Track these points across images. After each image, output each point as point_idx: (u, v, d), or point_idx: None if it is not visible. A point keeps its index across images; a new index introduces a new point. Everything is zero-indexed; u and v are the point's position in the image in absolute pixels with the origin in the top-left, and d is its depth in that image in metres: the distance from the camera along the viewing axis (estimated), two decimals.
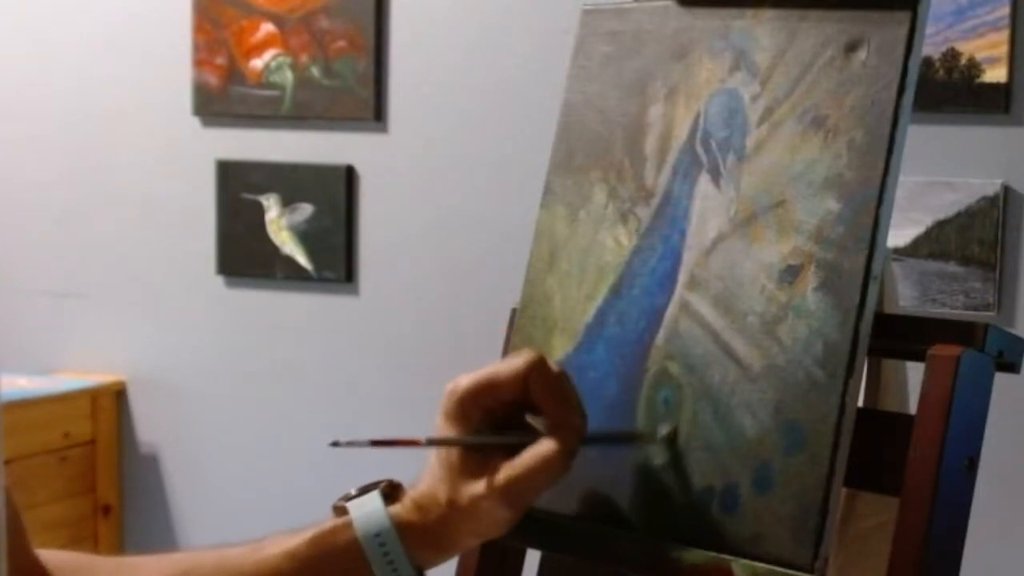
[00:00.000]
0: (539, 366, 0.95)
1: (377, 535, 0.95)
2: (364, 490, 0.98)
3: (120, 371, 3.40)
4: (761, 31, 1.00)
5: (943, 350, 0.91)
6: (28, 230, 3.46)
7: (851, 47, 0.95)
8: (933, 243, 2.71)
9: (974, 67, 2.67)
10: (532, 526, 1.03)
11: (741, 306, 0.97)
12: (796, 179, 0.96)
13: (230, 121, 3.27)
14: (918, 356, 0.93)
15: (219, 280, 3.31)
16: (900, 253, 2.70)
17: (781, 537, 0.91)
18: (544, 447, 0.94)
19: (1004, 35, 2.66)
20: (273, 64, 3.20)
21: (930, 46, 2.65)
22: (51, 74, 3.41)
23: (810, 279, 0.94)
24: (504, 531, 0.97)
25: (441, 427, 0.96)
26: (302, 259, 3.21)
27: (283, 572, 0.96)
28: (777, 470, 0.92)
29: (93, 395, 3.33)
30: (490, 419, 0.96)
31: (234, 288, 3.31)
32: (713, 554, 0.93)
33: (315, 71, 3.16)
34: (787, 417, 0.92)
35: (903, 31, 0.93)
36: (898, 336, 0.97)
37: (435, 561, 0.97)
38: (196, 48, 3.26)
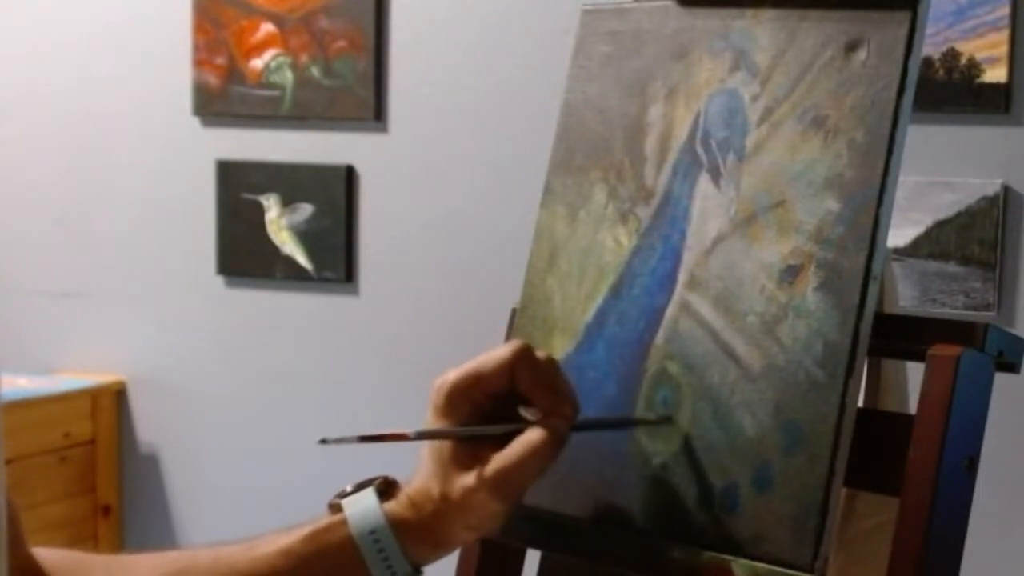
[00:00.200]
0: (525, 355, 0.95)
1: (372, 532, 0.95)
2: (359, 487, 0.98)
3: (120, 371, 3.40)
4: (761, 31, 1.00)
5: (943, 350, 0.91)
6: (28, 230, 3.46)
7: (851, 47, 0.95)
8: (933, 243, 2.71)
9: (974, 67, 2.67)
10: (532, 526, 1.03)
11: (741, 306, 0.97)
12: (796, 179, 0.96)
13: (230, 121, 3.27)
14: (918, 356, 0.93)
15: (219, 280, 3.31)
16: (900, 253, 2.70)
17: (781, 537, 0.91)
18: (532, 435, 0.94)
19: (1004, 35, 2.66)
20: (273, 64, 3.20)
21: (930, 46, 2.65)
22: (51, 74, 3.41)
23: (810, 279, 0.94)
24: (498, 525, 0.97)
25: (431, 423, 0.96)
26: (302, 259, 3.21)
27: (278, 569, 0.96)
28: (777, 470, 0.92)
29: (93, 395, 3.33)
30: (479, 412, 0.96)
31: (234, 288, 3.31)
32: (713, 554, 0.93)
33: (315, 71, 3.16)
34: (787, 417, 0.93)
35: (903, 31, 0.93)
36: (898, 336, 0.97)
37: (431, 557, 0.97)
38: (196, 48, 3.26)
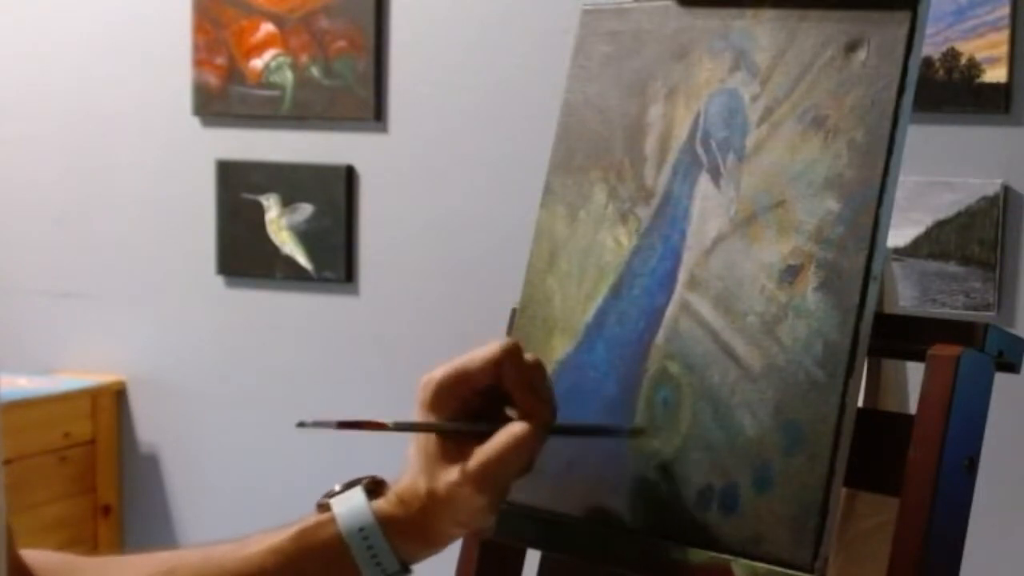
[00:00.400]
0: (513, 353, 0.95)
1: (361, 530, 0.95)
2: (347, 486, 0.98)
3: (120, 371, 3.40)
4: (761, 31, 1.00)
5: (943, 350, 0.91)
6: (28, 230, 3.46)
7: (851, 47, 0.95)
8: (933, 243, 2.71)
9: (974, 67, 2.67)
10: (532, 526, 1.03)
11: (741, 306, 0.97)
12: (796, 179, 0.96)
13: (230, 121, 3.27)
14: (918, 356, 0.93)
15: (219, 280, 3.31)
16: (900, 253, 2.70)
17: (781, 537, 0.91)
18: (515, 428, 0.94)
19: (1004, 35, 2.66)
20: (273, 64, 3.20)
21: (930, 46, 2.65)
22: (51, 74, 3.41)
23: (810, 279, 0.94)
24: (486, 520, 0.97)
25: (417, 418, 0.97)
26: (302, 259, 3.21)
27: (267, 568, 0.96)
28: (777, 470, 0.92)
29: (93, 395, 3.33)
30: (466, 409, 0.96)
31: (234, 288, 3.31)
32: (713, 554, 0.93)
33: (315, 71, 3.16)
34: (787, 417, 0.93)
35: (903, 31, 0.93)
36: (898, 336, 0.97)
37: (421, 555, 0.97)
38: (196, 48, 3.26)
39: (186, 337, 3.35)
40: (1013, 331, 0.96)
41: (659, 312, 1.01)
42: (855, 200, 0.93)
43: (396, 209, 3.15)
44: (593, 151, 1.08)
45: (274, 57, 3.20)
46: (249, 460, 3.30)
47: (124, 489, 3.40)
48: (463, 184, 3.09)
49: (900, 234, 2.70)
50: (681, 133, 1.03)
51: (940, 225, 2.71)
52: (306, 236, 3.20)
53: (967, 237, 2.70)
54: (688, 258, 1.00)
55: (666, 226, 1.02)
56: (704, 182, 1.01)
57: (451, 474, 0.94)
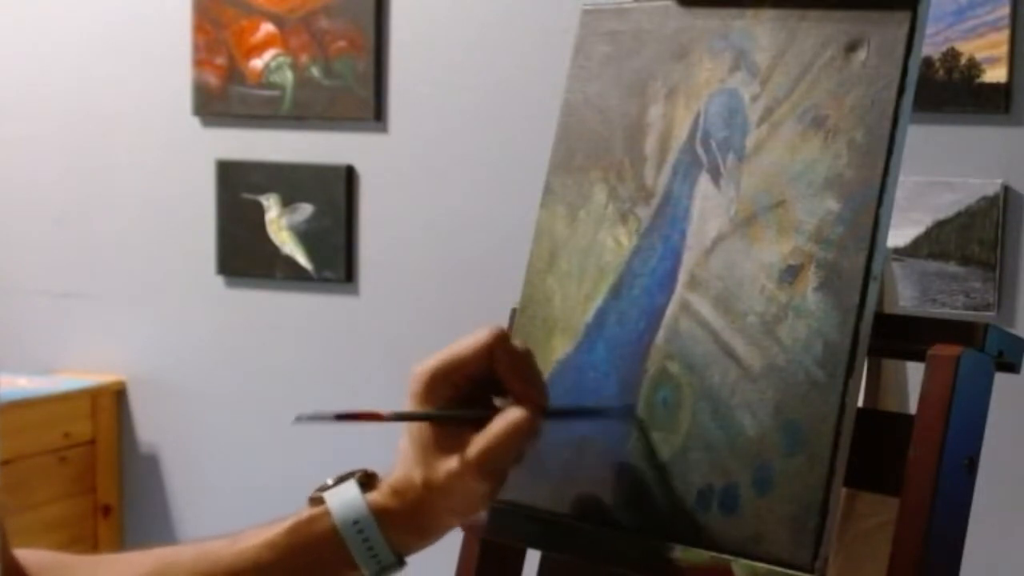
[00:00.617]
0: (502, 340, 0.95)
1: (355, 522, 0.95)
2: (339, 480, 0.98)
3: (120, 371, 3.40)
4: (761, 31, 1.00)
5: (943, 350, 0.91)
6: (28, 230, 3.46)
7: (851, 47, 0.95)
8: (933, 243, 2.71)
9: (974, 67, 2.67)
10: (532, 526, 1.03)
11: (741, 306, 0.97)
12: (796, 179, 0.96)
13: (230, 121, 3.27)
14: (918, 356, 0.93)
15: (219, 280, 3.31)
16: (900, 253, 2.70)
17: (781, 537, 0.91)
18: (512, 414, 0.94)
19: (1004, 35, 2.66)
20: (273, 64, 3.20)
21: (930, 46, 2.65)
22: (51, 74, 3.41)
23: (810, 279, 0.94)
24: (481, 507, 0.98)
25: (410, 408, 0.96)
26: (302, 259, 3.21)
27: (262, 562, 0.96)
28: (777, 470, 0.92)
29: (93, 395, 3.33)
30: (458, 397, 0.96)
31: (234, 288, 3.31)
32: (713, 554, 0.93)
33: (315, 71, 3.16)
34: (787, 417, 0.92)
35: (903, 31, 0.93)
36: (898, 336, 0.97)
37: (416, 546, 0.97)
38: (196, 48, 3.26)
39: (186, 337, 3.35)
40: (1013, 331, 0.96)
41: (659, 312, 1.01)
42: (855, 200, 0.93)
43: (396, 209, 3.15)
44: (593, 151, 1.08)
45: (274, 57, 3.20)
46: (249, 460, 3.30)
47: (124, 489, 3.40)
48: (463, 184, 3.09)
49: (900, 234, 2.70)
50: (681, 133, 1.03)
51: (940, 225, 2.71)
52: (306, 236, 3.20)
53: (967, 237, 2.70)
54: (688, 258, 1.00)
55: (666, 226, 1.02)
56: (704, 182, 1.01)
57: (449, 463, 0.94)
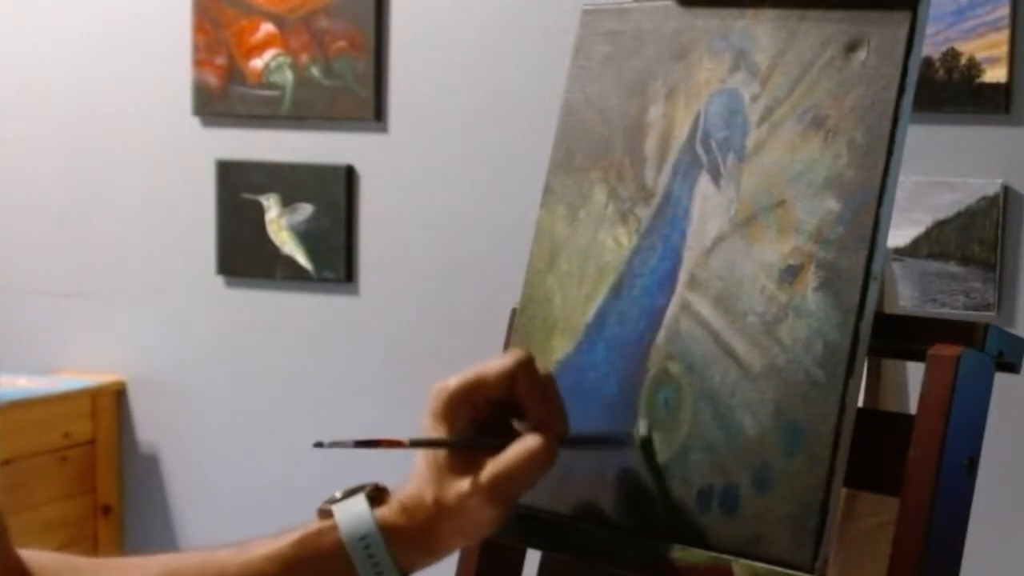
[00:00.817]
0: (526, 364, 0.95)
1: (362, 538, 0.95)
2: (349, 493, 0.98)
3: (120, 371, 3.40)
4: (761, 31, 1.00)
5: (943, 350, 0.91)
6: (28, 230, 3.46)
7: (851, 47, 0.95)
8: (933, 243, 2.71)
9: (974, 67, 2.67)
10: (532, 526, 1.03)
11: (741, 306, 0.97)
12: (796, 179, 0.96)
13: (230, 121, 3.27)
14: (918, 356, 0.93)
15: (219, 280, 3.31)
16: (900, 253, 2.70)
17: (781, 537, 0.91)
18: (529, 442, 0.94)
19: (1004, 35, 2.66)
20: (273, 64, 3.20)
21: (930, 46, 2.65)
22: (51, 74, 3.41)
23: (810, 279, 0.94)
24: (489, 531, 0.97)
25: (428, 426, 0.96)
26: (302, 259, 3.21)
27: (267, 574, 0.95)
28: (777, 470, 0.92)
29: (93, 395, 3.33)
30: (476, 419, 0.96)
31: (234, 288, 3.31)
32: (713, 554, 0.93)
33: (315, 71, 3.16)
34: (787, 417, 0.92)
35: (903, 31, 0.93)
36: (898, 336, 0.97)
37: (421, 564, 0.97)
38: (196, 48, 3.26)
39: (186, 337, 3.35)
40: (1013, 331, 0.96)
41: (659, 312, 1.01)
42: (855, 200, 0.93)
43: (396, 209, 3.15)
44: (593, 151, 1.08)
45: (274, 57, 3.20)
46: (249, 460, 3.30)
47: (124, 489, 3.40)
48: (463, 184, 3.09)
49: (900, 234, 2.70)
50: (681, 133, 1.03)
51: (940, 225, 2.71)
52: (306, 236, 3.20)
53: (967, 237, 2.70)
54: (688, 258, 1.00)
55: (666, 226, 1.02)
56: (704, 182, 1.01)
57: (462, 485, 0.94)
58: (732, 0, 1.02)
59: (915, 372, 0.97)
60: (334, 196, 3.17)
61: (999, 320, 2.67)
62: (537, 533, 1.04)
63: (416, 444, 0.95)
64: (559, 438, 0.95)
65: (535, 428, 0.95)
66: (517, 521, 1.02)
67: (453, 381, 0.96)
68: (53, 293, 3.44)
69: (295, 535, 0.96)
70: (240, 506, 3.27)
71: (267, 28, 3.20)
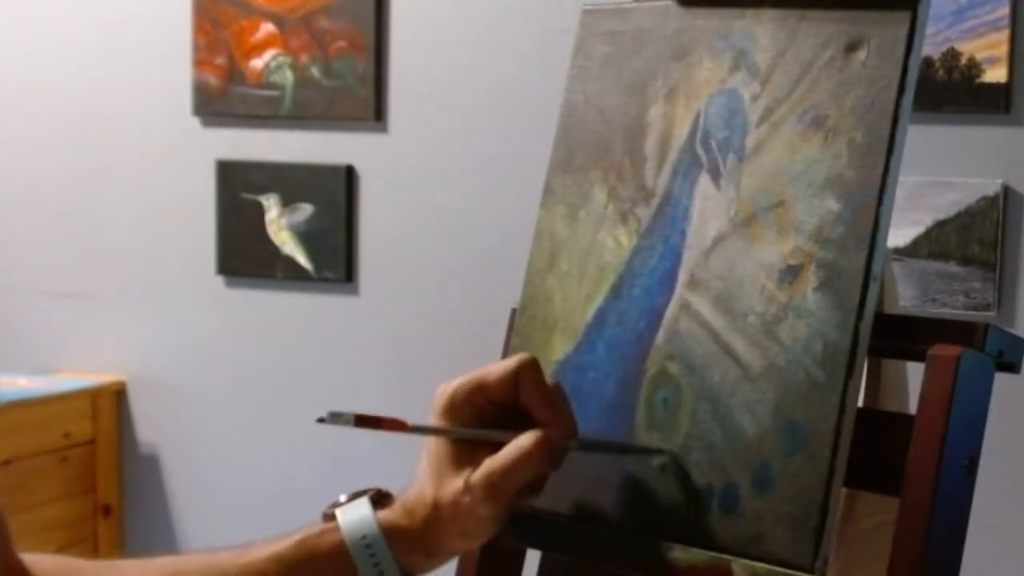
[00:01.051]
0: (530, 366, 0.95)
1: (363, 538, 0.95)
2: (352, 497, 0.98)
3: (120, 371, 3.40)
4: (761, 31, 1.00)
5: (943, 350, 0.91)
6: (28, 230, 3.46)
7: (851, 47, 0.95)
8: (933, 243, 2.71)
9: (974, 67, 2.67)
10: (532, 526, 1.03)
11: (741, 306, 0.97)
12: (796, 179, 0.96)
13: (230, 121, 3.27)
14: (918, 356, 0.93)
15: (219, 280, 3.31)
16: (900, 253, 2.70)
17: (781, 537, 0.91)
18: (525, 440, 0.94)
19: (1004, 35, 2.66)
20: (273, 64, 3.20)
21: (930, 46, 2.65)
22: (51, 74, 3.41)
23: (810, 279, 0.94)
24: (490, 532, 0.97)
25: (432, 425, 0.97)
26: (302, 259, 3.21)
27: (269, 575, 0.95)
28: (777, 470, 0.92)
29: (93, 395, 3.33)
30: (481, 419, 0.96)
31: (234, 288, 3.31)
32: (713, 554, 0.93)
33: (315, 71, 3.16)
34: (787, 417, 0.93)
35: (903, 31, 0.93)
36: (898, 336, 0.97)
37: (425, 567, 0.97)
38: (196, 48, 3.26)
39: (186, 337, 3.35)
40: (1013, 331, 0.96)
41: (659, 312, 1.01)
42: (855, 200, 0.93)
43: (396, 209, 3.15)
44: (593, 151, 1.08)
45: (274, 57, 3.20)
46: (249, 460, 3.30)
47: (124, 489, 3.40)
48: (463, 184, 3.09)
49: (900, 234, 2.70)
50: (681, 133, 1.03)
51: (940, 225, 2.71)
52: (306, 236, 3.20)
53: (967, 237, 2.70)
54: (688, 258, 1.00)
55: (666, 226, 1.02)
56: (704, 182, 1.01)
57: (457, 482, 0.94)
58: (732, 0, 1.02)
59: (915, 372, 0.97)
60: (334, 196, 3.17)
61: (999, 320, 2.67)
62: (537, 533, 1.04)
63: (418, 429, 0.96)
64: (567, 439, 0.95)
65: (540, 426, 0.95)
66: (517, 521, 1.02)
67: (456, 381, 0.96)
68: (53, 293, 3.44)
69: (297, 536, 0.96)
70: (240, 506, 3.27)
71: (267, 28, 3.20)
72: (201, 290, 3.32)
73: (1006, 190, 2.68)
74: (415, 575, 0.96)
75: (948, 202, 2.70)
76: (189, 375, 3.35)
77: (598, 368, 1.03)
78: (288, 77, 3.19)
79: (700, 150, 1.02)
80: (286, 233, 3.21)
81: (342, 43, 3.14)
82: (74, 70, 3.39)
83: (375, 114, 3.13)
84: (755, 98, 0.99)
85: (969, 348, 0.91)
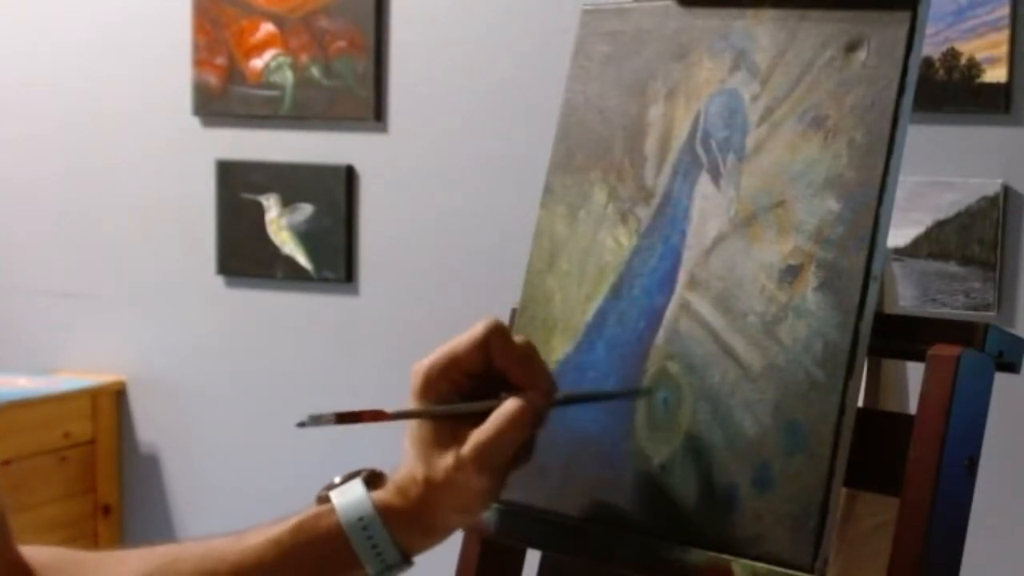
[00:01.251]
0: (497, 330, 0.95)
1: (360, 519, 0.95)
2: (346, 479, 0.98)
3: (120, 371, 3.40)
4: (761, 31, 1.00)
5: (943, 350, 0.91)
6: (28, 230, 3.46)
7: (851, 47, 0.95)
8: (933, 243, 2.71)
9: (974, 67, 2.67)
10: (532, 526, 1.03)
11: (741, 306, 0.97)
12: (796, 179, 0.96)
13: (230, 121, 3.27)
14: (918, 356, 0.93)
15: (219, 280, 3.31)
16: (900, 253, 2.70)
17: (781, 537, 0.91)
18: (509, 406, 0.94)
19: (1004, 35, 2.66)
20: (273, 64, 3.20)
21: (930, 46, 2.65)
22: (51, 74, 3.41)
23: (810, 279, 0.94)
24: (488, 503, 0.97)
25: (412, 407, 0.97)
26: (302, 259, 3.21)
27: (266, 559, 0.96)
28: (777, 470, 0.92)
29: (93, 395, 3.33)
30: (458, 392, 0.96)
31: (234, 288, 3.31)
32: (713, 554, 0.93)
33: (315, 71, 3.16)
34: (787, 417, 0.93)
35: (903, 31, 0.93)
36: (898, 336, 0.97)
37: (422, 545, 0.97)
38: (196, 48, 3.26)
39: (186, 337, 3.35)
40: (1013, 331, 0.96)
41: (659, 312, 1.01)
42: (855, 200, 0.93)
43: (396, 209, 3.15)
44: (593, 151, 1.08)
45: (274, 57, 3.20)
46: (249, 460, 3.30)
47: (124, 489, 3.40)
48: (463, 184, 3.09)
49: (900, 234, 2.70)
50: (681, 133, 1.03)
51: (940, 225, 2.71)
52: (306, 236, 3.20)
53: (967, 237, 2.70)
54: (688, 258, 1.00)
55: (666, 226, 1.02)
56: (704, 182, 1.01)
57: (448, 458, 0.94)
58: (732, 0, 1.02)
59: (915, 372, 0.97)
60: (334, 196, 3.17)
61: (999, 320, 2.67)
62: (538, 533, 1.04)
63: (399, 415, 0.96)
64: (546, 396, 0.95)
65: (519, 391, 0.95)
66: (517, 521, 1.02)
67: (428, 360, 0.97)
68: (53, 293, 3.44)
69: (293, 520, 0.97)
70: (240, 506, 3.27)
71: (267, 28, 3.20)
72: (201, 290, 3.32)
73: (1006, 190, 2.68)
74: (413, 553, 0.96)
75: (948, 202, 2.70)
76: (189, 375, 3.35)
77: (598, 368, 1.03)
78: (288, 77, 3.19)
79: (700, 150, 1.02)
80: (286, 233, 3.21)
81: (342, 43, 3.14)
82: (74, 70, 3.39)
83: (375, 114, 3.13)
84: (755, 98, 0.99)
85: (969, 348, 0.91)
